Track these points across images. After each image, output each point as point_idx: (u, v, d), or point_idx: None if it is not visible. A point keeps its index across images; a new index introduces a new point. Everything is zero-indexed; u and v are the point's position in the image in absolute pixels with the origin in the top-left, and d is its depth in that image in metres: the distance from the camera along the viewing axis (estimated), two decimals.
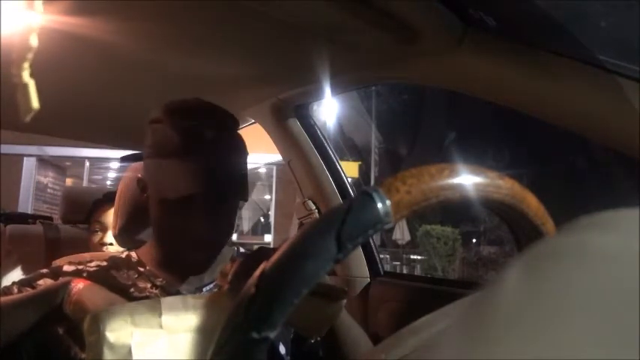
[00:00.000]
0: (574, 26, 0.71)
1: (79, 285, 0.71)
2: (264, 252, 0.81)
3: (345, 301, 0.72)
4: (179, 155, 0.75)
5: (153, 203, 0.81)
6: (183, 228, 0.77)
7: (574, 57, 0.71)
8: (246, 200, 0.86)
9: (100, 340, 0.60)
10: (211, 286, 0.84)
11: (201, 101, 0.82)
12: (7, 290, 0.80)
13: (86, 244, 1.63)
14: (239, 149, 0.82)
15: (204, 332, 0.63)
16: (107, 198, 1.61)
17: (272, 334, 0.25)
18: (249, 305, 0.26)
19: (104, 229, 1.59)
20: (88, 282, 0.73)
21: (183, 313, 0.64)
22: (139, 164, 1.05)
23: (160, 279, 0.82)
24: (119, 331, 0.61)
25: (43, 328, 0.74)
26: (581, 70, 0.71)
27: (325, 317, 0.70)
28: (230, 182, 0.79)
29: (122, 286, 0.79)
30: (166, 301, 0.65)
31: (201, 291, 0.83)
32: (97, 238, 1.60)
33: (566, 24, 0.71)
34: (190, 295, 0.68)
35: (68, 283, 0.72)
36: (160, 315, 0.62)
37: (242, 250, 0.95)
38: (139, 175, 0.85)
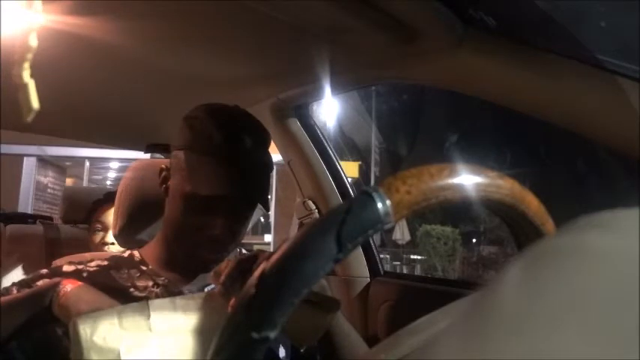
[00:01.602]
0: (574, 26, 0.71)
1: (66, 287, 0.70)
2: (260, 255, 0.81)
3: (339, 312, 0.72)
4: (218, 154, 0.76)
5: (174, 196, 0.81)
6: (201, 226, 0.77)
7: (574, 57, 0.71)
8: (268, 210, 0.89)
9: (86, 345, 0.59)
10: (213, 285, 0.84)
11: (242, 109, 0.85)
12: (5, 292, 0.79)
13: (86, 244, 1.63)
14: (269, 163, 0.84)
15: (194, 334, 0.62)
16: (108, 198, 1.61)
17: (272, 334, 0.25)
18: (249, 305, 0.26)
19: (106, 229, 1.59)
20: (78, 283, 0.72)
21: (172, 315, 0.63)
22: (139, 163, 1.05)
23: (163, 278, 0.82)
24: (107, 335, 0.60)
25: (34, 329, 0.74)
26: (581, 70, 0.71)
27: (316, 327, 0.69)
28: (257, 189, 0.81)
29: (121, 287, 0.79)
30: (154, 303, 0.64)
31: (203, 291, 0.82)
32: (98, 237, 1.60)
33: (566, 24, 0.71)
34: (179, 297, 0.67)
35: (57, 285, 0.71)
36: (149, 317, 0.62)
37: (244, 250, 0.95)
38: (164, 166, 0.85)
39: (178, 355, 0.61)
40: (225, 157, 0.76)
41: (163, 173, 0.84)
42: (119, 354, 0.59)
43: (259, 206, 0.84)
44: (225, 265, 0.73)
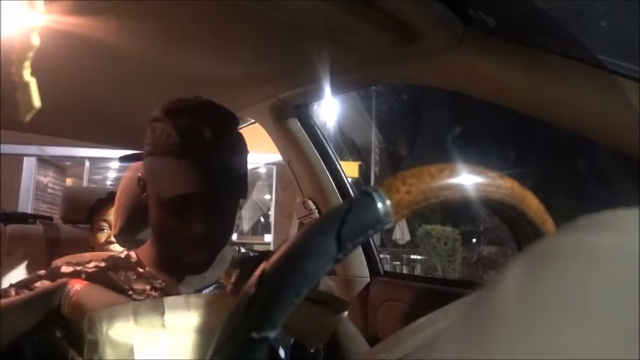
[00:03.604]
0: (574, 26, 0.71)
1: (76, 286, 0.71)
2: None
3: (346, 313, 0.72)
4: (177, 153, 0.74)
5: (151, 202, 0.79)
6: (180, 228, 0.75)
7: (574, 57, 0.71)
8: (244, 197, 0.84)
9: (101, 339, 0.60)
10: (212, 288, 0.83)
11: (201, 100, 0.81)
12: (4, 293, 0.79)
13: (86, 244, 1.63)
14: (238, 147, 0.80)
15: (206, 332, 0.63)
16: (112, 197, 1.61)
17: (272, 335, 0.25)
18: (249, 305, 0.26)
19: (111, 227, 1.60)
20: (86, 283, 0.72)
21: (185, 313, 0.64)
22: (139, 163, 1.04)
23: (160, 280, 0.81)
24: (122, 331, 0.61)
25: (41, 330, 0.74)
26: (581, 70, 0.71)
27: (325, 327, 0.69)
28: (228, 180, 0.77)
29: (119, 289, 0.78)
30: (169, 300, 0.65)
31: (201, 293, 0.82)
32: (103, 236, 1.60)
33: (566, 24, 0.71)
34: (193, 295, 0.68)
35: (65, 285, 0.71)
36: (163, 314, 0.63)
37: (242, 250, 0.95)
38: (140, 175, 0.83)
39: (191, 353, 0.62)
40: (187, 155, 0.74)
41: (141, 182, 0.83)
42: (132, 349, 0.60)
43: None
44: (238, 267, 0.72)
